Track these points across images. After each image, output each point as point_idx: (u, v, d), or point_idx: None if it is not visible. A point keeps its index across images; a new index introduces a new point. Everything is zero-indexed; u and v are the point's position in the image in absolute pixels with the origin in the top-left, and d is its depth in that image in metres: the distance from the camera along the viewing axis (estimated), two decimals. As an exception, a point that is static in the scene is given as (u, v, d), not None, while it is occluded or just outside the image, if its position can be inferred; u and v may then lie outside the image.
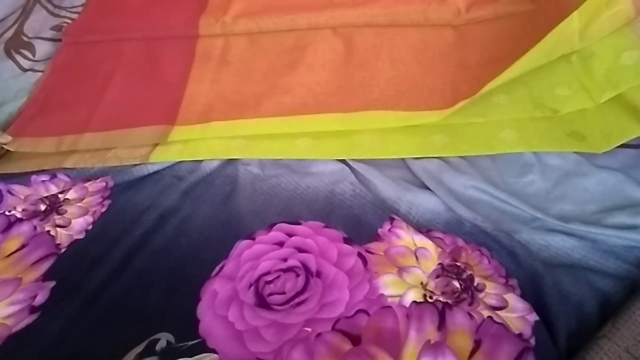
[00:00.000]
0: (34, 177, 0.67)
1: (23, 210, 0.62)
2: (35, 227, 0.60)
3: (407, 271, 0.51)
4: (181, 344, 0.48)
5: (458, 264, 0.52)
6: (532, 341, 0.46)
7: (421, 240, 0.54)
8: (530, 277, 0.52)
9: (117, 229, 0.60)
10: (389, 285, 0.50)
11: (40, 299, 0.53)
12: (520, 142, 0.64)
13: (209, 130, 0.71)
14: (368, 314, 0.47)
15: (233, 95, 0.76)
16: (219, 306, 0.50)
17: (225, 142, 0.70)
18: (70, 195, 0.64)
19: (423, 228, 0.57)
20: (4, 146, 0.73)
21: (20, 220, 0.60)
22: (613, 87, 0.62)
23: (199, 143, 0.70)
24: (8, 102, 0.82)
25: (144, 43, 0.88)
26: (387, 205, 0.60)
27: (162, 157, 0.68)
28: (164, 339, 0.48)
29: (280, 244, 0.55)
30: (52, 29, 0.96)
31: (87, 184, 0.66)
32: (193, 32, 0.88)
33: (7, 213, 0.61)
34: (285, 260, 0.53)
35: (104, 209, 0.63)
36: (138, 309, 0.52)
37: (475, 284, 0.50)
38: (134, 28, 0.90)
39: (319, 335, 0.46)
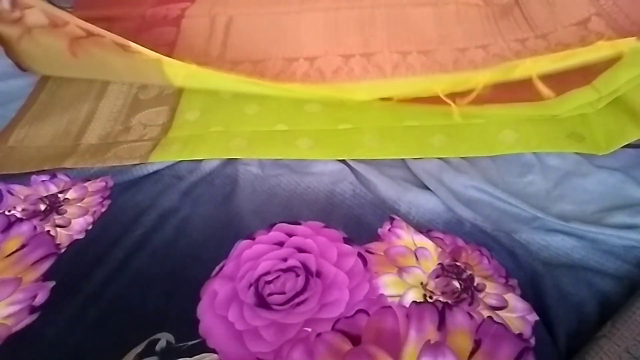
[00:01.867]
0: (34, 177, 0.67)
1: (23, 210, 0.62)
2: (35, 227, 0.59)
3: (407, 271, 0.51)
4: (181, 344, 0.48)
5: (458, 264, 0.52)
6: (532, 341, 0.46)
7: (421, 240, 0.54)
8: (530, 277, 0.52)
9: (117, 229, 0.59)
10: (389, 285, 0.50)
11: (40, 299, 0.53)
12: (520, 143, 0.64)
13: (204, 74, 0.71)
14: (368, 314, 0.47)
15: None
16: (219, 306, 0.50)
17: (225, 142, 0.70)
18: (70, 195, 0.64)
19: (423, 228, 0.57)
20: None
21: (20, 220, 0.60)
22: (610, 93, 0.62)
23: (198, 143, 0.70)
24: (8, 102, 0.82)
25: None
26: (387, 205, 0.60)
27: (162, 156, 0.68)
28: (164, 339, 0.48)
29: (280, 244, 0.55)
30: (52, 28, 0.96)
31: (86, 184, 0.66)
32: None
33: (7, 213, 0.61)
34: (285, 260, 0.53)
35: (103, 209, 0.63)
36: (138, 309, 0.52)
37: (475, 284, 0.50)
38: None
39: (319, 335, 0.46)
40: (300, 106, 0.74)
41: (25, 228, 0.59)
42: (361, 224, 0.58)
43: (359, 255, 0.53)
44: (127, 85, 0.82)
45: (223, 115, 0.74)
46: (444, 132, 0.67)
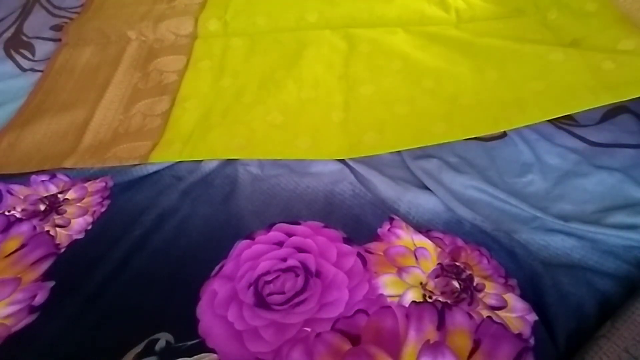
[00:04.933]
0: (33, 177, 0.67)
1: (23, 210, 0.62)
2: (34, 227, 0.59)
3: (407, 271, 0.51)
4: (180, 344, 0.48)
5: (457, 263, 0.52)
6: (532, 341, 0.46)
7: (420, 240, 0.54)
8: (530, 277, 0.52)
9: (116, 229, 0.60)
10: (388, 285, 0.50)
11: (39, 299, 0.53)
12: (520, 116, 0.64)
13: None
14: (367, 314, 0.47)
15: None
16: (219, 306, 0.50)
17: (225, 142, 0.70)
18: (70, 195, 0.64)
19: (422, 228, 0.57)
20: None
21: (19, 220, 0.60)
22: None
23: (198, 143, 0.70)
24: (8, 102, 0.82)
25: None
26: (386, 205, 0.60)
27: (161, 157, 0.68)
28: (163, 338, 0.48)
29: (280, 244, 0.55)
30: (51, 28, 0.96)
31: (86, 184, 0.66)
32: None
33: (6, 213, 0.61)
34: (284, 260, 0.53)
35: (103, 209, 0.63)
36: (137, 308, 0.52)
37: (474, 284, 0.50)
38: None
39: (318, 335, 0.46)
40: (296, 94, 0.74)
41: (24, 228, 0.59)
42: (361, 224, 0.58)
43: (359, 255, 0.53)
44: (129, 75, 0.82)
45: (221, 104, 0.75)
46: (444, 119, 0.66)
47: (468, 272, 0.51)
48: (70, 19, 0.98)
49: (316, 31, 0.84)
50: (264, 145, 0.69)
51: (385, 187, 0.62)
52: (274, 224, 0.57)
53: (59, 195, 0.64)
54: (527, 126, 0.68)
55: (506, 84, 0.69)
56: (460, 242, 0.56)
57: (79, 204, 0.63)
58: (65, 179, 0.68)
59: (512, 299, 0.49)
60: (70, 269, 0.56)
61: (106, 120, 0.76)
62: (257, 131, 0.70)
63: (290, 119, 0.71)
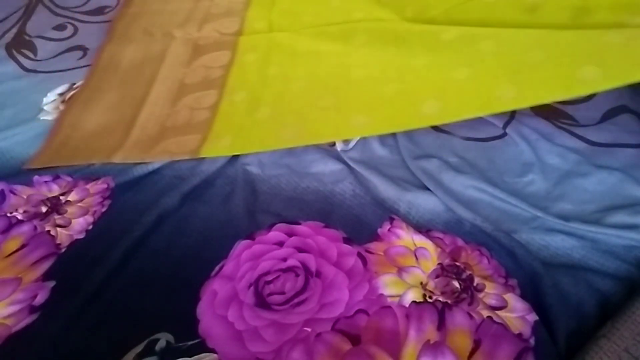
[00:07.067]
0: (36, 177, 0.67)
1: (24, 212, 0.62)
2: (35, 227, 0.60)
3: (407, 271, 0.51)
4: (181, 344, 0.48)
5: (458, 264, 0.52)
6: (532, 341, 0.46)
7: (421, 240, 0.54)
8: (530, 277, 0.52)
9: (117, 229, 0.60)
10: (388, 285, 0.50)
11: (40, 299, 0.53)
12: (518, 98, 0.57)
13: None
14: (368, 314, 0.47)
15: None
16: (219, 306, 0.50)
17: (276, 132, 0.68)
18: (72, 196, 0.64)
19: (423, 228, 0.57)
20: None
21: (20, 220, 0.60)
22: None
23: (249, 134, 0.69)
24: (8, 102, 0.82)
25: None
26: (386, 205, 0.60)
27: (213, 151, 0.67)
28: (163, 338, 0.48)
29: (280, 244, 0.55)
30: (54, 28, 0.97)
31: (88, 185, 0.66)
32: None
33: (8, 215, 0.61)
34: (284, 260, 0.53)
35: (104, 209, 0.63)
36: (138, 308, 0.52)
37: (474, 284, 0.50)
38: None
39: (318, 335, 0.46)
40: (347, 75, 0.72)
41: (25, 228, 0.59)
42: (361, 224, 0.58)
43: (359, 255, 0.53)
44: (174, 71, 0.82)
45: (269, 94, 0.74)
46: (436, 96, 0.62)
47: (468, 272, 0.51)
48: (74, 18, 0.98)
49: (364, 23, 0.82)
50: (316, 129, 0.67)
51: (385, 187, 0.62)
52: (274, 223, 0.57)
53: (61, 197, 0.64)
54: (527, 126, 0.68)
55: (503, 56, 0.63)
56: (460, 242, 0.56)
57: (79, 204, 0.63)
58: (68, 178, 0.68)
59: (512, 299, 0.49)
60: (71, 269, 0.56)
61: (153, 116, 0.75)
62: (308, 118, 0.68)
63: (341, 101, 0.69)
